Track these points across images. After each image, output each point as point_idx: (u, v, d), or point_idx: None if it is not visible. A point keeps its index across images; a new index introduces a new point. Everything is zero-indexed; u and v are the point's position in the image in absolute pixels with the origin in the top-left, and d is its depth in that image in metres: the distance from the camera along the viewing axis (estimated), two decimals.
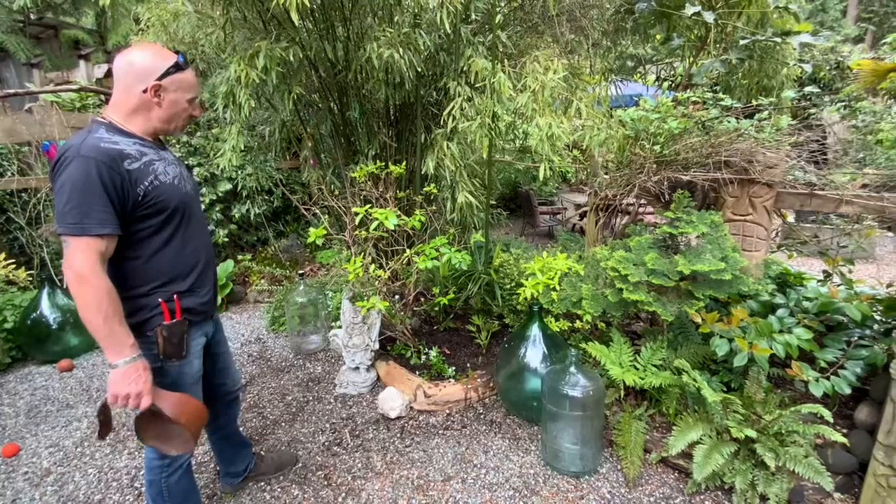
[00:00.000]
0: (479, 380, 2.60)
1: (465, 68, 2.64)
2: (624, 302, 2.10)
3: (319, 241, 2.52)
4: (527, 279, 2.38)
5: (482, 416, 2.45)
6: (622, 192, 2.42)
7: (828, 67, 5.91)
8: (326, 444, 2.27)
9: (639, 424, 2.09)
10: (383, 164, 2.74)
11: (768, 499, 1.76)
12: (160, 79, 1.34)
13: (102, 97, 4.13)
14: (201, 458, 2.16)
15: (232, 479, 1.96)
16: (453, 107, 2.55)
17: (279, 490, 1.98)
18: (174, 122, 1.43)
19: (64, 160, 1.22)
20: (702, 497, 1.87)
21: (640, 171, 2.32)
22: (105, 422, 1.32)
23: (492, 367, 2.71)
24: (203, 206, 4.15)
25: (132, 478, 2.05)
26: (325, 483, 2.01)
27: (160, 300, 1.38)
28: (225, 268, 4.07)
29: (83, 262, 1.19)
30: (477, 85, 2.58)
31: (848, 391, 1.85)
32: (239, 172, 4.27)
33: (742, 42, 2.85)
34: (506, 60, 2.76)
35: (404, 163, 2.84)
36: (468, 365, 2.76)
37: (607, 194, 2.58)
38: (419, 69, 2.55)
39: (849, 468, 1.83)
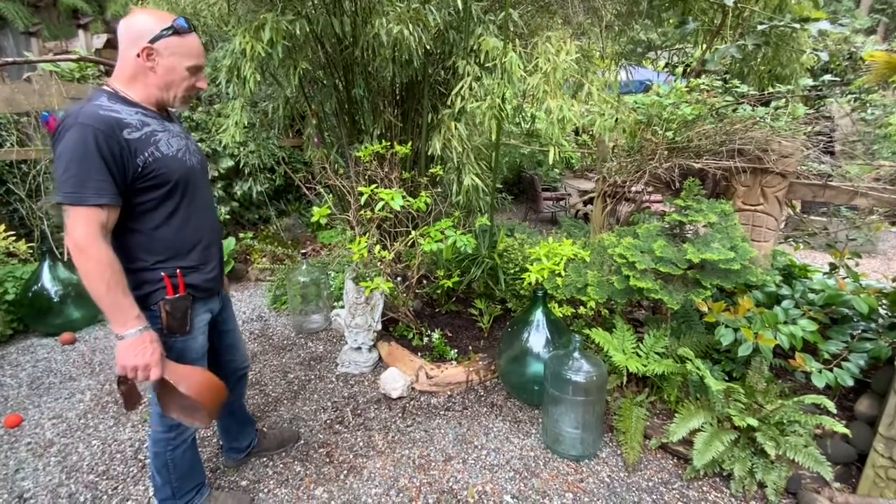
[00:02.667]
0: (480, 362, 2.61)
1: (474, 47, 2.57)
2: (630, 289, 2.09)
3: (323, 221, 2.50)
4: (532, 264, 2.37)
5: (483, 399, 2.47)
6: (632, 178, 2.39)
7: (841, 57, 5.80)
8: (328, 422, 2.28)
9: (640, 411, 2.10)
10: (388, 143, 2.70)
11: (766, 486, 1.78)
12: (152, 41, 1.28)
13: (102, 68, 4.04)
14: (205, 433, 2.18)
15: (235, 455, 1.98)
16: (462, 86, 2.49)
17: (281, 466, 1.99)
18: (172, 90, 1.36)
19: (63, 128, 1.19)
20: (700, 483, 1.89)
21: (651, 158, 2.28)
22: (128, 393, 1.31)
23: (493, 350, 2.71)
24: None
25: (136, 450, 2.07)
26: (327, 460, 2.03)
27: (163, 274, 1.36)
28: (226, 245, 4.05)
29: (83, 232, 1.17)
30: (487, 65, 2.52)
31: (850, 383, 1.85)
32: (241, 149, 4.21)
33: (759, 27, 2.78)
34: (517, 40, 2.70)
35: (410, 143, 2.80)
36: (470, 348, 2.77)
37: (616, 180, 2.54)
38: (428, 47, 2.48)
39: (847, 459, 1.85)
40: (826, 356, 1.95)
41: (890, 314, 2.09)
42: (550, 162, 2.30)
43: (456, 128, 2.65)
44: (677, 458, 2.01)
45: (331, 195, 2.93)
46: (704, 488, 1.87)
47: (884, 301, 2.10)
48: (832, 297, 2.08)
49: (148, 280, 1.36)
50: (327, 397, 2.49)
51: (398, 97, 3.25)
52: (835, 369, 1.89)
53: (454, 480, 1.91)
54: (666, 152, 2.27)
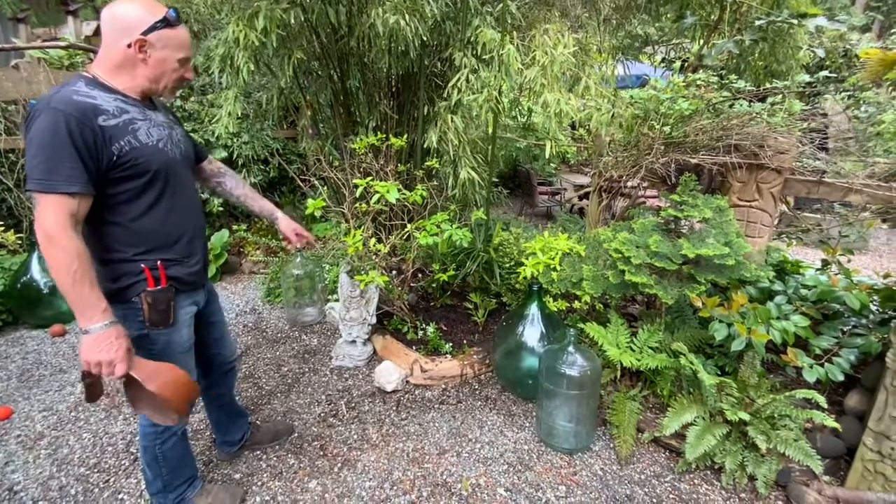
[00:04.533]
0: (475, 356, 2.61)
1: (471, 39, 2.55)
2: (625, 284, 2.09)
3: (317, 213, 2.47)
4: (527, 258, 2.36)
5: (477, 392, 2.47)
6: (628, 173, 2.39)
7: (836, 55, 5.81)
8: (322, 415, 2.28)
9: (633, 405, 2.11)
10: (384, 136, 2.68)
11: (756, 479, 1.80)
12: (146, 34, 1.25)
13: (91, 55, 3.96)
14: (197, 426, 2.16)
15: (228, 448, 1.97)
16: (458, 78, 2.47)
17: (275, 459, 1.99)
18: (162, 81, 1.34)
19: (35, 113, 1.16)
20: (691, 476, 1.91)
21: (647, 153, 2.28)
22: (91, 385, 1.28)
23: (488, 344, 2.72)
24: None
25: (128, 443, 2.05)
26: (321, 453, 2.02)
27: (143, 266, 1.34)
28: (220, 237, 4.02)
29: (53, 221, 1.13)
30: (484, 57, 2.50)
31: (841, 378, 1.87)
32: (235, 140, 4.16)
33: (757, 23, 2.77)
34: (514, 32, 2.67)
35: (405, 135, 2.77)
36: (465, 342, 2.77)
37: (612, 175, 2.54)
38: (424, 38, 2.45)
39: (836, 452, 1.88)
40: (817, 351, 1.97)
41: (881, 310, 2.11)
42: (547, 156, 2.29)
43: (452, 120, 2.63)
44: (669, 452, 2.03)
45: (325, 187, 2.90)
46: (696, 481, 1.89)
47: (875, 297, 2.12)
48: (824, 293, 2.09)
49: (127, 272, 1.34)
50: (321, 390, 2.48)
51: (394, 89, 3.21)
52: (826, 364, 1.91)
53: (448, 473, 1.92)
54: (662, 147, 2.26)
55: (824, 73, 3.02)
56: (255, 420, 2.19)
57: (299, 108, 3.52)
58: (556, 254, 2.32)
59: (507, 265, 3.00)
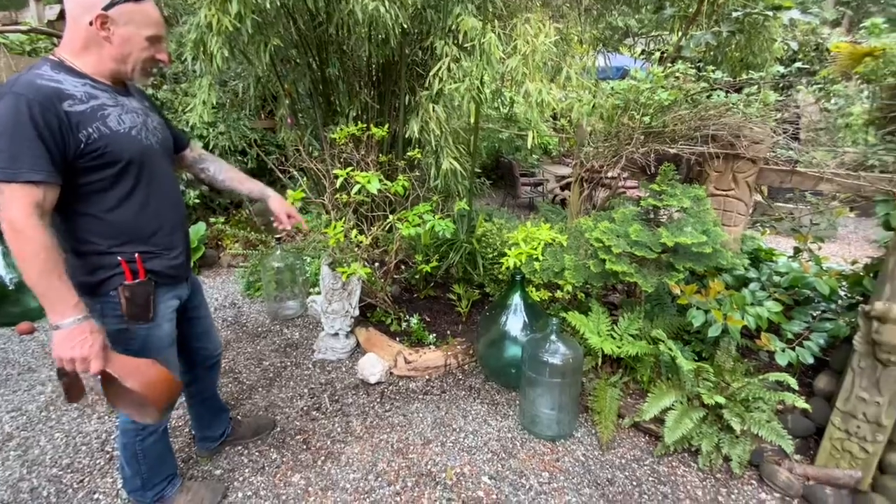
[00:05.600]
0: (458, 347, 2.62)
1: (453, 27, 2.51)
2: (606, 273, 2.11)
3: (297, 205, 2.43)
4: (510, 249, 2.37)
5: (461, 382, 2.48)
6: (609, 163, 2.41)
7: (808, 48, 5.96)
8: (305, 408, 2.25)
9: (614, 391, 2.15)
10: (365, 125, 2.63)
11: (731, 460, 1.86)
12: (107, 9, 1.18)
13: (55, 40, 3.78)
14: (176, 423, 2.12)
15: (208, 444, 1.94)
16: (440, 67, 2.44)
17: (257, 454, 1.96)
18: (130, 62, 1.26)
19: None
20: (669, 459, 1.96)
21: (628, 143, 2.30)
22: (70, 385, 1.24)
23: (472, 334, 2.72)
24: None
25: (102, 441, 2.00)
26: (304, 447, 2.00)
27: (119, 259, 1.29)
28: (197, 230, 3.91)
29: (17, 211, 1.08)
30: (465, 45, 2.47)
31: (811, 361, 1.94)
32: (210, 130, 4.04)
33: (734, 15, 2.82)
34: (496, 21, 2.65)
35: (387, 125, 2.73)
36: (448, 332, 2.77)
37: (593, 165, 2.56)
38: (405, 25, 2.41)
39: (806, 432, 1.95)
40: (789, 336, 2.04)
41: (849, 295, 2.19)
42: (529, 146, 2.29)
43: (434, 110, 2.60)
44: (649, 436, 2.08)
45: (305, 178, 2.85)
46: (674, 464, 1.94)
47: (844, 283, 2.20)
48: (796, 279, 2.16)
49: (103, 265, 1.29)
50: (304, 384, 2.45)
51: (375, 78, 3.16)
52: (797, 348, 1.98)
53: (433, 463, 1.92)
54: (642, 137, 2.29)
55: (797, 65, 3.09)
56: (235, 415, 2.15)
57: (277, 97, 3.44)
58: (539, 244, 2.33)
59: (491, 256, 3.01)
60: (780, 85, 3.65)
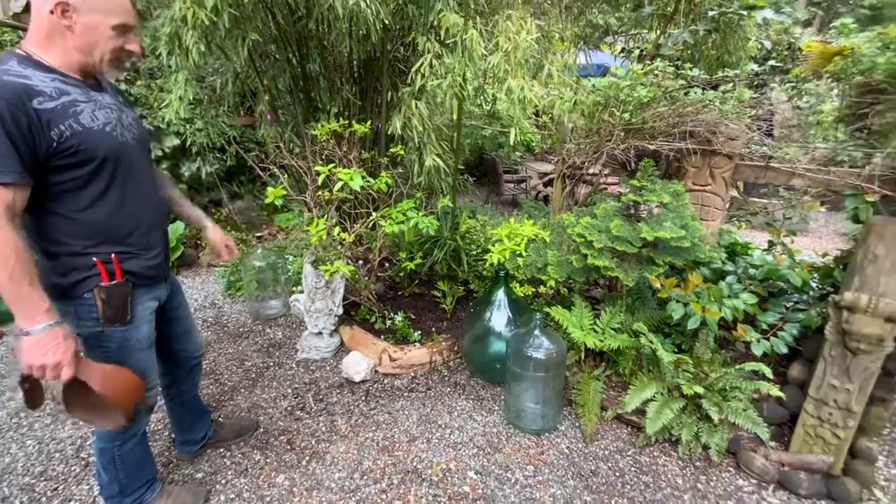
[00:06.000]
0: (444, 343, 2.62)
1: (434, 23, 2.50)
2: (588, 268, 2.14)
3: (278, 203, 2.39)
4: (494, 245, 2.38)
5: (447, 379, 2.49)
6: (590, 159, 2.43)
7: (781, 47, 6.14)
8: (289, 408, 2.23)
9: (597, 384, 2.19)
10: (346, 122, 2.61)
11: (709, 448, 1.91)
12: None
13: (21, 34, 3.64)
14: (155, 426, 2.07)
15: (189, 447, 1.90)
16: (422, 63, 2.43)
17: (240, 455, 1.93)
18: (96, 53, 1.20)
19: None
20: (651, 449, 2.01)
21: (608, 139, 2.33)
22: (31, 390, 1.19)
23: (457, 331, 2.73)
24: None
25: (77, 448, 1.94)
26: (288, 447, 1.98)
27: (95, 260, 1.25)
28: (175, 230, 3.82)
29: None
30: (447, 42, 2.47)
31: (785, 350, 2.01)
32: (188, 127, 3.95)
33: (710, 13, 2.87)
34: (477, 17, 2.65)
35: (369, 122, 2.71)
36: (433, 329, 2.77)
37: (575, 161, 2.59)
38: (386, 21, 2.39)
39: (781, 419, 2.01)
40: (764, 326, 2.10)
41: (820, 287, 2.26)
42: (511, 142, 2.30)
43: (416, 106, 2.59)
44: (631, 427, 2.12)
45: (286, 176, 2.80)
46: (655, 454, 1.98)
47: (815, 275, 2.27)
48: (770, 271, 2.22)
49: (78, 266, 1.24)
50: (287, 384, 2.42)
51: (356, 74, 3.13)
52: (771, 338, 2.04)
53: (418, 460, 1.92)
54: (623, 133, 2.32)
55: (771, 63, 3.17)
56: (217, 417, 2.12)
57: (257, 93, 3.37)
58: (522, 240, 2.35)
59: (475, 252, 3.01)
60: (755, 83, 3.74)
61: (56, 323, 1.12)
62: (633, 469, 1.90)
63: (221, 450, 1.95)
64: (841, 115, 2.61)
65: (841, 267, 2.14)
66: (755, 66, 2.70)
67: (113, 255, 1.28)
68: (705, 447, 1.93)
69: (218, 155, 4.43)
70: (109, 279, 1.28)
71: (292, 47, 2.87)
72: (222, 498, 1.73)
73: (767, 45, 3.12)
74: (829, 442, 1.78)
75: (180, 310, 1.66)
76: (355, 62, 3.05)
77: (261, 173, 3.52)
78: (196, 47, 2.15)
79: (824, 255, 2.46)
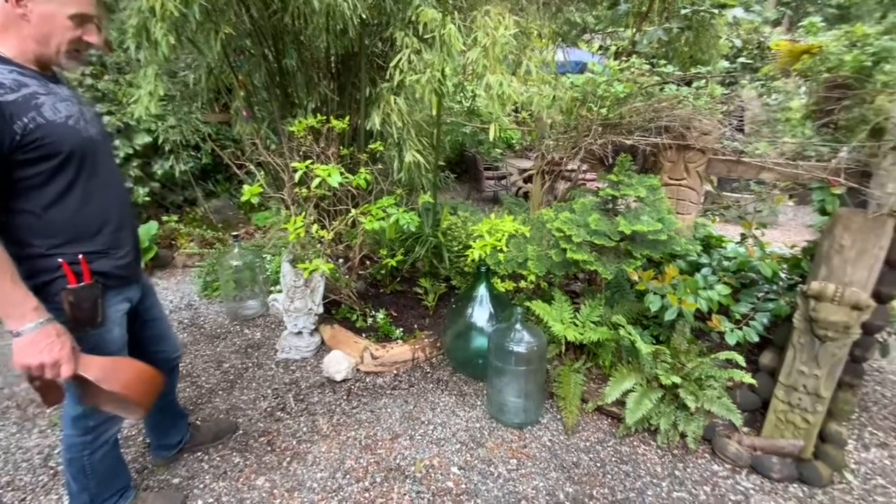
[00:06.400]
0: (426, 340, 2.62)
1: (413, 18, 2.48)
2: (567, 262, 2.16)
3: (255, 201, 2.34)
4: (475, 241, 2.38)
5: (429, 375, 2.48)
6: (569, 154, 2.46)
7: (751, 46, 6.31)
8: (269, 409, 2.19)
9: (577, 377, 2.21)
10: (324, 118, 2.57)
11: (686, 436, 1.95)
12: None
13: None
14: (128, 432, 2.01)
15: (165, 452, 1.85)
16: (400, 59, 2.41)
17: (218, 458, 1.89)
18: (52, 44, 1.16)
19: None
20: (631, 439, 2.04)
21: (586, 134, 2.35)
22: (45, 388, 1.15)
23: (439, 327, 2.73)
24: (118, 161, 3.69)
25: (45, 457, 1.87)
26: (269, 448, 1.95)
27: (60, 261, 1.20)
28: (148, 230, 3.71)
29: None
30: (426, 37, 2.45)
31: (756, 339, 2.07)
32: (159, 123, 3.82)
33: (683, 12, 2.93)
34: (455, 13, 2.64)
35: (347, 118, 2.68)
36: (415, 326, 2.76)
37: (554, 157, 2.61)
38: (364, 16, 2.36)
39: (753, 406, 2.07)
40: (737, 316, 2.16)
41: (789, 277, 2.34)
42: (491, 138, 2.30)
43: (396, 102, 2.57)
44: (612, 419, 2.15)
45: (263, 173, 2.75)
46: (635, 443, 2.02)
47: (784, 266, 2.35)
48: (742, 263, 2.29)
49: (44, 268, 1.19)
50: (267, 385, 2.38)
51: (334, 69, 3.08)
52: (744, 328, 2.10)
53: (401, 457, 1.92)
54: (600, 129, 2.35)
55: (741, 61, 3.26)
56: (194, 420, 2.07)
57: (232, 89, 3.29)
58: (503, 235, 2.36)
59: (456, 249, 3.01)
60: (726, 80, 3.84)
61: (47, 320, 1.10)
62: (613, 459, 1.93)
63: (199, 453, 1.91)
64: (808, 112, 2.70)
65: (808, 257, 2.21)
66: (726, 64, 2.77)
67: (80, 256, 1.24)
68: (682, 435, 1.98)
69: (192, 153, 4.32)
70: (77, 281, 1.23)
71: (267, 42, 2.81)
72: (200, 503, 1.69)
73: (738, 43, 3.21)
74: (800, 427, 1.85)
75: (154, 311, 1.61)
76: (333, 57, 3.01)
77: (237, 171, 3.45)
78: (165, 40, 2.09)
79: (792, 246, 2.54)
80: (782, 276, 2.34)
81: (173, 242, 4.10)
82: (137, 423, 2.04)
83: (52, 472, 1.79)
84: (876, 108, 1.95)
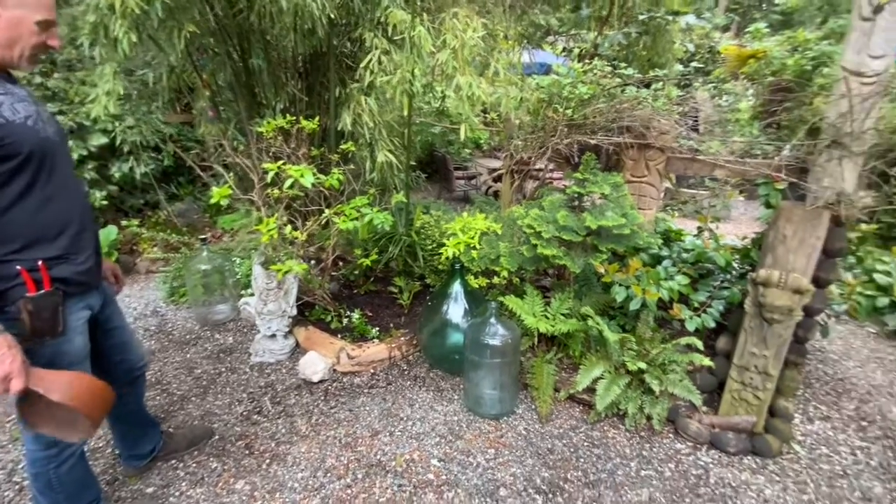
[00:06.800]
0: (402, 338, 2.65)
1: (382, 19, 2.51)
2: (537, 257, 2.25)
3: (224, 202, 2.31)
4: (448, 239, 2.43)
5: (406, 373, 2.51)
6: (537, 154, 2.55)
7: (704, 50, 6.68)
8: (245, 413, 2.17)
9: (549, 367, 2.30)
10: (294, 118, 2.55)
11: (652, 418, 2.07)
12: None
13: None
14: (94, 444, 1.94)
15: (137, 462, 1.80)
16: (370, 60, 2.43)
17: (194, 465, 1.86)
18: (17, 48, 1.15)
19: None
20: (601, 424, 2.15)
21: (553, 134, 2.44)
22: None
23: (415, 325, 2.76)
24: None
25: (9, 472, 1.78)
26: (247, 452, 1.93)
27: (19, 268, 1.16)
28: (107, 235, 3.56)
29: None
30: (395, 38, 2.48)
31: (713, 325, 2.21)
32: (117, 124, 3.67)
33: (640, 17, 3.08)
34: (424, 15, 2.68)
35: (317, 118, 2.67)
36: (391, 325, 2.79)
37: (523, 157, 2.69)
38: (332, 15, 2.36)
39: (711, 387, 2.22)
40: (696, 304, 2.30)
41: (741, 266, 2.51)
42: (462, 138, 2.35)
43: (366, 102, 2.58)
44: (583, 406, 2.25)
45: (232, 174, 2.70)
46: (605, 428, 2.12)
47: (736, 256, 2.52)
48: (700, 255, 2.44)
49: (1, 275, 1.16)
50: (241, 389, 2.35)
51: (302, 69, 3.06)
52: (702, 315, 2.24)
53: (382, 453, 1.94)
54: (566, 129, 2.45)
55: (694, 65, 3.46)
56: (167, 428, 2.02)
57: (195, 88, 3.21)
58: (476, 233, 2.42)
59: (430, 247, 3.05)
60: (681, 82, 4.06)
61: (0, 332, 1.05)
62: (585, 444, 2.02)
63: (173, 461, 1.87)
64: (755, 113, 2.90)
65: (757, 248, 2.38)
66: (681, 67, 2.94)
67: (40, 262, 1.20)
68: (648, 418, 2.10)
69: (153, 154, 4.16)
70: (37, 289, 1.19)
71: (233, 41, 2.76)
72: None
73: (691, 47, 3.40)
74: (752, 403, 2.00)
75: (115, 319, 1.56)
76: (301, 57, 2.98)
77: (201, 173, 3.37)
78: (127, 38, 2.02)
79: (744, 238, 2.73)
80: (735, 265, 2.51)
81: (135, 248, 3.95)
82: (105, 435, 1.97)
83: (17, 487, 1.72)
84: (813, 109, 2.13)
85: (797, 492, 1.79)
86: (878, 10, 1.65)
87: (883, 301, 2.07)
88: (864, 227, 2.77)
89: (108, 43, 2.18)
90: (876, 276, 2.15)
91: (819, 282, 1.92)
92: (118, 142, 3.69)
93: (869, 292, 2.10)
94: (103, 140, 3.71)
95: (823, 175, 1.83)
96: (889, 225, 3.61)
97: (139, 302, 3.29)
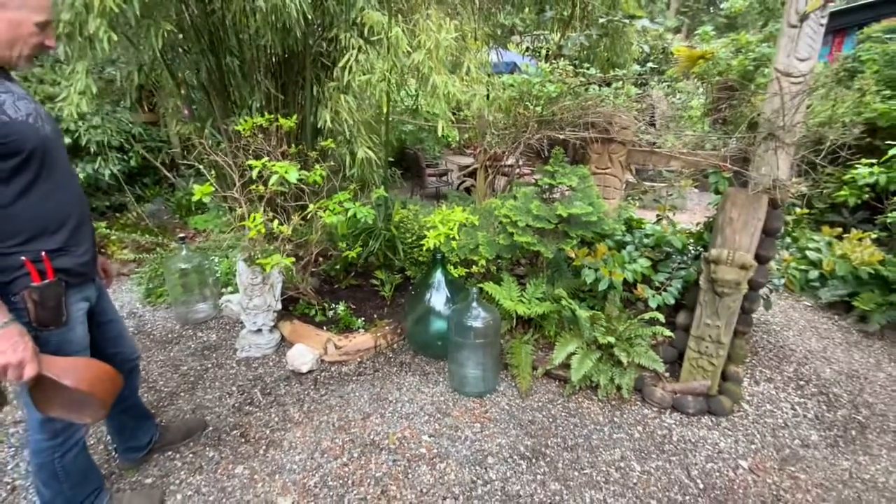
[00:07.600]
0: (387, 328, 2.75)
1: (357, 20, 2.59)
2: (513, 245, 2.41)
3: (206, 199, 2.33)
4: (429, 231, 2.55)
5: (392, 360, 2.62)
6: (509, 149, 2.70)
7: (657, 52, 7.08)
8: (236, 405, 2.22)
9: (527, 347, 2.47)
10: (272, 116, 2.60)
11: (622, 388, 2.27)
12: None
13: None
14: (87, 440, 1.94)
15: (133, 454, 1.83)
16: (348, 59, 2.51)
17: (191, 455, 1.91)
18: (16, 48, 1.18)
19: None
20: (577, 396, 2.33)
21: (524, 130, 2.61)
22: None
23: (398, 316, 2.87)
24: None
25: (1, 472, 1.77)
26: (243, 440, 1.99)
27: (23, 259, 1.21)
28: None
29: None
30: (372, 39, 2.57)
31: (672, 302, 2.44)
32: (81, 123, 3.57)
33: (600, 20, 3.30)
34: (399, 16, 2.78)
35: (294, 116, 2.73)
36: (375, 316, 2.88)
37: (496, 153, 2.85)
38: (308, 16, 2.43)
39: (672, 358, 2.45)
40: (657, 284, 2.53)
41: (695, 249, 2.76)
42: (440, 135, 2.48)
43: (345, 100, 2.66)
44: (559, 381, 2.43)
45: (213, 173, 2.71)
46: (580, 399, 2.31)
47: (692, 240, 2.77)
48: (659, 239, 2.67)
49: (5, 266, 1.20)
50: (230, 382, 2.39)
51: (278, 68, 3.09)
52: (663, 293, 2.47)
53: (375, 433, 2.05)
54: (536, 125, 2.62)
55: (650, 65, 3.72)
56: (160, 422, 2.05)
57: (161, 87, 3.17)
58: (455, 225, 2.55)
59: (409, 240, 3.16)
60: (639, 81, 4.34)
61: (10, 321, 1.10)
62: (563, 414, 2.20)
63: (170, 452, 1.91)
64: (706, 110, 3.18)
65: (708, 230, 2.63)
66: (638, 67, 3.18)
67: (43, 253, 1.24)
68: (618, 388, 2.30)
69: (119, 155, 4.06)
70: (41, 279, 1.24)
71: (205, 40, 2.77)
72: (179, 497, 1.71)
73: (647, 49, 3.66)
74: (707, 370, 2.23)
75: (108, 312, 1.61)
76: (276, 56, 3.02)
77: (167, 174, 3.34)
78: (107, 36, 2.03)
79: (697, 223, 2.99)
80: (690, 248, 2.76)
81: (103, 250, 3.85)
82: (96, 432, 1.98)
83: (9, 486, 1.71)
84: (753, 106, 2.39)
85: (746, 442, 2.04)
86: (803, 18, 1.90)
87: (814, 273, 2.35)
88: (798, 211, 3.09)
89: (82, 41, 2.17)
90: (808, 252, 2.44)
91: (761, 258, 2.17)
92: (84, 142, 3.60)
93: (802, 267, 2.38)
94: (66, 140, 3.60)
95: (762, 164, 2.08)
96: (820, 210, 4.01)
97: (115, 304, 3.23)
